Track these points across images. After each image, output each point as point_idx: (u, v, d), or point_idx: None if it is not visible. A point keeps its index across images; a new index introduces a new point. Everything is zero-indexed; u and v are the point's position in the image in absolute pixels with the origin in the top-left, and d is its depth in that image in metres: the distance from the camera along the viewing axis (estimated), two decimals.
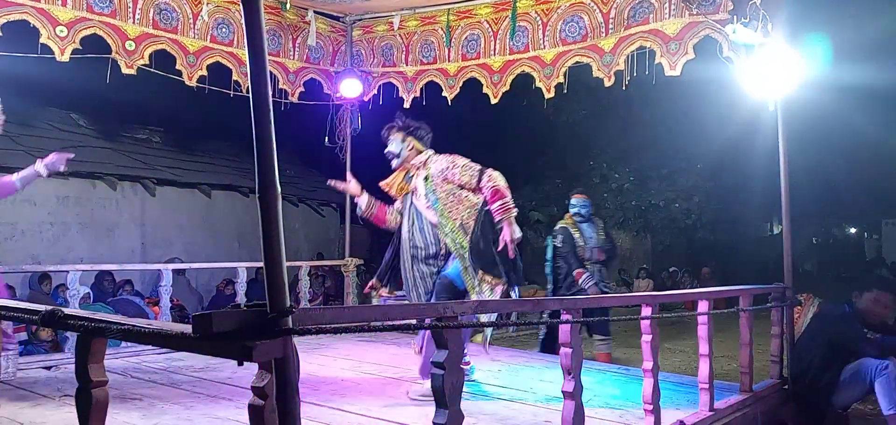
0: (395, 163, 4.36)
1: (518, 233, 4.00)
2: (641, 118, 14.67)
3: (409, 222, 4.30)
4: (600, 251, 6.56)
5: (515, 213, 4.05)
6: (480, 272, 4.01)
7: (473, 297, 4.03)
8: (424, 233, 4.23)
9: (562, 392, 2.71)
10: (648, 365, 3.19)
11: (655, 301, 3.38)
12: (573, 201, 6.81)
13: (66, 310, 1.91)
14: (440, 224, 4.13)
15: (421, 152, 4.32)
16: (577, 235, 6.52)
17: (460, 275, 4.09)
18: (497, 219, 4.01)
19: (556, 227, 6.76)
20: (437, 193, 4.14)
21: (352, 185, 4.61)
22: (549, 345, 6.25)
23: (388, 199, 4.56)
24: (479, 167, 4.17)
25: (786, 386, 4.71)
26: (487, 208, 4.06)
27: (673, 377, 4.94)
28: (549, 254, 6.72)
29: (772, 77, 4.62)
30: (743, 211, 16.52)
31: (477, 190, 4.14)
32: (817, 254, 22.88)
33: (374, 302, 4.45)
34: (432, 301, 4.08)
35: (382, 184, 4.44)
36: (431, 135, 4.44)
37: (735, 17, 4.60)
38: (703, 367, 3.75)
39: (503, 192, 4.04)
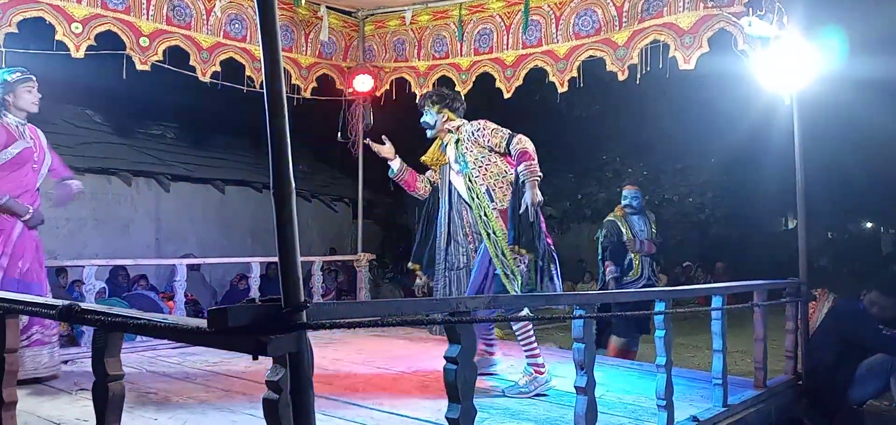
0: (429, 133, 4.51)
1: (540, 197, 3.99)
2: (655, 112, 14.59)
3: (447, 203, 4.44)
4: (651, 244, 6.39)
5: (540, 178, 4.05)
6: (514, 245, 4.03)
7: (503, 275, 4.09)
8: (461, 214, 4.38)
9: (574, 387, 2.70)
10: (662, 360, 3.17)
11: (669, 296, 3.36)
12: (624, 192, 6.61)
13: (83, 305, 1.93)
14: (468, 189, 4.20)
15: (453, 122, 4.42)
16: (624, 228, 6.31)
17: (489, 257, 4.15)
18: (521, 180, 4.03)
19: (605, 220, 6.59)
20: (466, 157, 4.23)
21: (386, 148, 4.68)
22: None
23: (421, 168, 4.68)
24: (509, 131, 4.22)
25: (800, 382, 4.67)
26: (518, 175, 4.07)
27: (686, 372, 4.91)
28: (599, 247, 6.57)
29: (787, 70, 4.59)
30: (757, 205, 16.41)
31: (505, 154, 4.21)
32: (832, 249, 22.66)
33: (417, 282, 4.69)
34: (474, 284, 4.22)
35: (423, 158, 4.58)
36: (465, 106, 4.57)
37: (750, 9, 4.56)
38: (717, 363, 3.73)
39: (531, 155, 4.05)
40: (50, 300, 2.60)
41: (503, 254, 4.09)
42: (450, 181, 4.45)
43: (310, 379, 1.54)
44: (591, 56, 5.68)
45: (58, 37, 4.95)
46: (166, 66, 5.62)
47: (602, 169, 16.13)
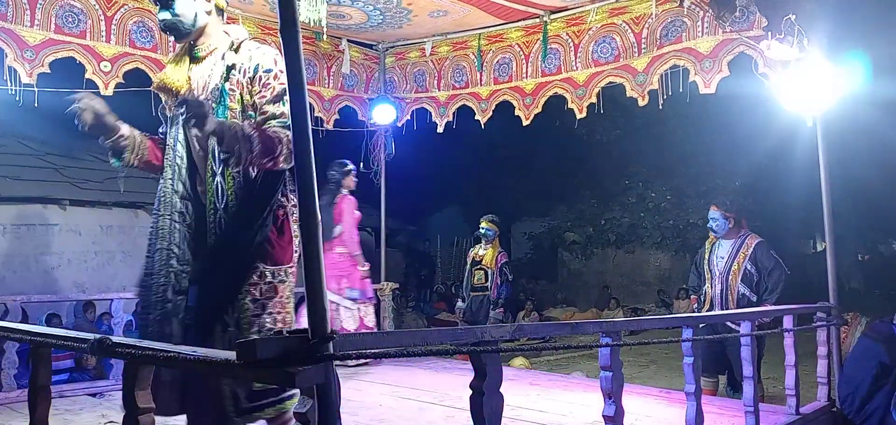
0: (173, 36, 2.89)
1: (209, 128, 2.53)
2: (677, 135, 14.53)
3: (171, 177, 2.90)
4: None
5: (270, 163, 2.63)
6: None
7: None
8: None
9: (603, 416, 2.68)
10: (690, 388, 3.13)
11: (696, 322, 3.33)
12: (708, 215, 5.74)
13: (114, 339, 1.96)
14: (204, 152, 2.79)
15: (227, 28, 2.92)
16: (707, 254, 5.58)
17: None
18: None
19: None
20: (228, 96, 2.74)
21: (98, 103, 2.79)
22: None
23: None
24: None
25: (834, 408, 4.57)
26: None
27: (716, 400, 4.84)
28: None
29: (809, 92, 4.55)
30: (784, 228, 16.16)
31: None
32: (863, 271, 22.21)
33: None
34: None
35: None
36: None
37: (769, 33, 4.55)
38: (748, 389, 3.67)
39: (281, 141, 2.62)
40: (82, 334, 2.64)
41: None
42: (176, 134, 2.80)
43: (337, 410, 1.55)
44: (610, 82, 5.69)
45: (87, 75, 5.07)
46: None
47: (625, 193, 16.05)
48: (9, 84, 4.72)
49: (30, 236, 8.10)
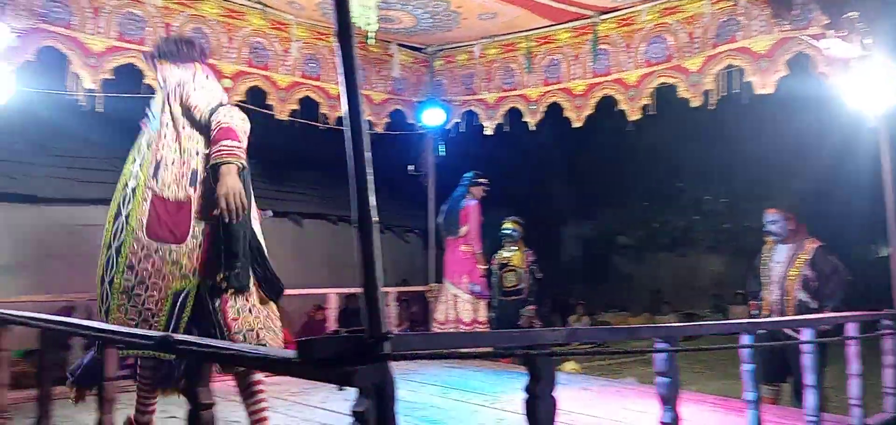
0: None
1: (239, 187, 2.90)
2: (732, 137, 14.15)
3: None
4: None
5: (243, 166, 2.98)
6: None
7: None
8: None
9: (660, 423, 2.63)
10: (750, 395, 3.06)
11: (754, 328, 3.25)
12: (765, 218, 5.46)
13: (178, 336, 2.02)
14: (134, 159, 3.19)
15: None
16: (765, 259, 5.32)
17: None
18: (213, 165, 2.93)
19: None
20: (159, 111, 3.16)
21: None
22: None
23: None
24: (220, 101, 3.09)
25: None
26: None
27: (776, 409, 4.71)
28: None
29: (871, 91, 4.39)
30: (845, 232, 15.61)
31: (208, 137, 3.01)
32: None
33: None
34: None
35: None
36: (197, 50, 3.30)
37: (829, 31, 4.41)
38: (810, 399, 3.56)
39: (235, 133, 2.96)
40: (147, 331, 2.73)
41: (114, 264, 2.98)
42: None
43: (394, 410, 1.57)
44: (662, 83, 5.60)
45: (146, 81, 5.24)
46: (247, 105, 5.86)
47: (678, 196, 15.74)
48: (78, 91, 4.92)
49: (95, 237, 8.40)
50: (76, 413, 4.18)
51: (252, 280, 3.04)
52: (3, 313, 3.58)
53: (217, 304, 2.97)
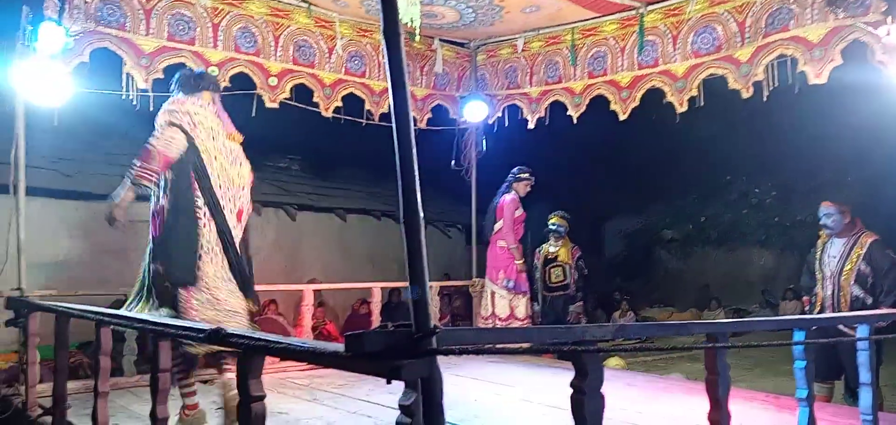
0: None
1: (122, 200, 3.59)
2: (783, 129, 13.77)
3: None
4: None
5: (146, 182, 3.56)
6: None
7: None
8: None
9: (708, 421, 2.58)
10: (803, 393, 2.98)
11: (808, 324, 3.16)
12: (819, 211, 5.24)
13: (229, 329, 2.07)
14: None
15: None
16: (818, 253, 5.15)
17: None
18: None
19: None
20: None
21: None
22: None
23: None
24: (168, 117, 3.67)
25: None
26: None
27: (829, 407, 4.58)
28: None
29: None
30: None
31: None
32: None
33: None
34: None
35: None
36: (209, 84, 3.91)
37: (889, 17, 4.25)
38: (865, 397, 3.44)
39: (144, 153, 3.55)
40: (198, 323, 2.80)
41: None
42: None
43: (441, 403, 1.58)
44: (711, 74, 5.48)
45: None
46: (293, 102, 5.95)
47: (726, 189, 15.38)
48: (130, 91, 5.06)
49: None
50: (131, 404, 4.33)
51: (219, 274, 3.58)
52: (62, 306, 3.71)
53: (182, 295, 3.50)
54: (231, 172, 3.70)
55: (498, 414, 4.17)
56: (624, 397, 4.63)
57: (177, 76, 3.92)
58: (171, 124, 3.58)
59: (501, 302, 6.62)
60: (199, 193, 3.55)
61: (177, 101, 3.73)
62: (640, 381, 5.57)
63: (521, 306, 6.64)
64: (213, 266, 3.54)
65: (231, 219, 3.64)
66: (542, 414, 4.19)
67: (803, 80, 4.89)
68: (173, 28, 5.26)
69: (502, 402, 4.56)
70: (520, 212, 6.73)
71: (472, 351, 1.70)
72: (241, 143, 3.88)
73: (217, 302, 3.53)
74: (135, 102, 5.16)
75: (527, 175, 6.79)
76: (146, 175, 3.50)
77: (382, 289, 6.92)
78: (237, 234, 3.68)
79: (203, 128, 3.65)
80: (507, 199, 6.70)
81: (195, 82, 3.81)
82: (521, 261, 6.68)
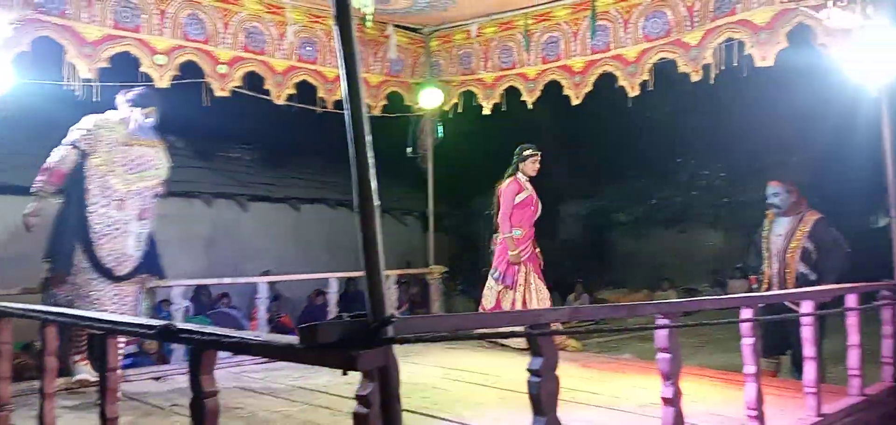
0: None
1: (31, 212, 4.55)
2: (730, 111, 14.10)
3: None
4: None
5: (42, 194, 4.61)
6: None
7: None
8: None
9: (661, 398, 2.64)
10: (750, 369, 3.07)
11: (755, 302, 3.25)
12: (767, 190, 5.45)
13: (180, 325, 2.02)
14: None
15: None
16: (765, 232, 5.33)
17: None
18: None
19: None
20: None
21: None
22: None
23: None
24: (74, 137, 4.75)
25: None
26: None
27: (777, 381, 4.73)
28: None
29: (874, 62, 4.36)
30: (844, 204, 15.59)
31: None
32: None
33: None
34: None
35: None
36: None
37: (830, 1, 4.37)
38: (809, 371, 3.58)
39: (44, 167, 4.67)
40: (148, 320, 2.72)
41: None
42: None
43: (398, 393, 1.57)
44: (662, 58, 5.57)
45: (143, 68, 5.21)
46: (244, 90, 5.83)
47: (677, 172, 15.70)
48: (74, 81, 4.89)
49: None
50: (74, 401, 4.20)
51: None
52: (2, 305, 3.57)
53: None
54: (130, 178, 4.71)
55: (456, 401, 4.18)
56: (579, 377, 4.71)
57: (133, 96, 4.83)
58: (68, 143, 4.58)
59: (489, 293, 6.33)
60: (88, 199, 4.53)
61: (89, 118, 4.66)
62: (595, 362, 5.66)
63: (509, 298, 6.18)
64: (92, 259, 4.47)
65: (128, 216, 4.73)
66: (501, 398, 4.21)
67: (749, 63, 5.00)
68: (118, 15, 5.07)
69: (460, 389, 4.58)
70: (524, 195, 6.22)
71: (428, 339, 1.70)
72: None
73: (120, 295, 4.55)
74: (78, 93, 4.98)
75: (531, 151, 6.30)
76: (45, 186, 4.50)
77: (339, 279, 6.87)
78: (139, 229, 4.83)
79: (104, 143, 4.63)
80: (504, 187, 6.26)
81: (133, 102, 4.81)
82: (515, 253, 6.12)
